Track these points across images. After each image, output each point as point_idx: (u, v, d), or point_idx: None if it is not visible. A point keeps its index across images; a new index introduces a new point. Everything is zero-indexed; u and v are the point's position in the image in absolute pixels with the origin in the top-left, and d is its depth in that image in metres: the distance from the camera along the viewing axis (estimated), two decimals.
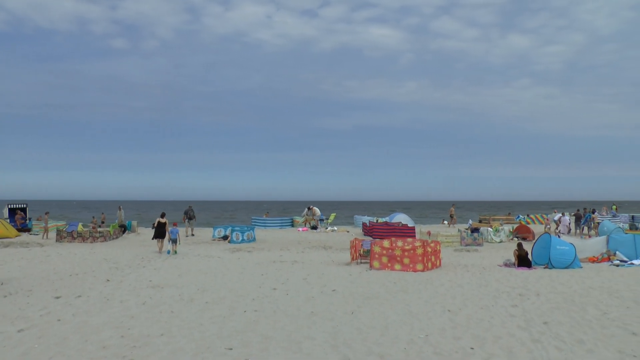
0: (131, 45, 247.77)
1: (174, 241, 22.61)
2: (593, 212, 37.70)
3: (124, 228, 32.12)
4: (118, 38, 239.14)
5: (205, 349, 7.59)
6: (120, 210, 35.42)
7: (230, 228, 29.95)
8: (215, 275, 15.66)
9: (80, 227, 29.75)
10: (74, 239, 27.65)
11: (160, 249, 22.84)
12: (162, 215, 23.82)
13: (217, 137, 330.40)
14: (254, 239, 29.19)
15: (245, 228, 30.12)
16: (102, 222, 36.23)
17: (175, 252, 22.31)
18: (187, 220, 33.31)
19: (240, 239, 28.41)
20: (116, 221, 32.93)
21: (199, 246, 26.16)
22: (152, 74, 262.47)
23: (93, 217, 38.79)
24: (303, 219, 39.88)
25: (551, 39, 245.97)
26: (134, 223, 34.49)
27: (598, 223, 34.55)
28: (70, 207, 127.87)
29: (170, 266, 17.87)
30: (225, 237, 29.27)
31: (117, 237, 29.99)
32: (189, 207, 34.01)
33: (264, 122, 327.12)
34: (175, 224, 24.01)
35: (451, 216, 42.32)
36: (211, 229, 32.32)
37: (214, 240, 29.19)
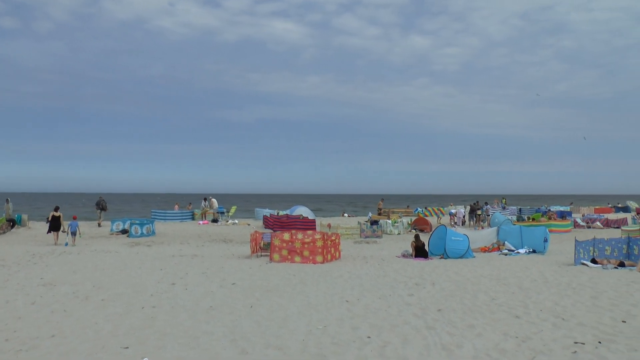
0: (22, 25, 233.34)
1: (73, 234, 22.59)
2: (486, 205, 39.85)
3: (12, 222, 30.30)
4: (6, 16, 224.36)
5: (100, 348, 7.39)
6: (7, 203, 33.38)
7: (129, 221, 29.14)
8: (112, 271, 15.23)
9: None
10: None
11: (56, 241, 22.43)
12: (56, 209, 23.50)
13: (117, 127, 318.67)
14: (153, 233, 28.60)
15: (145, 221, 29.45)
16: None
17: (74, 244, 22.14)
18: (99, 211, 32.58)
19: (140, 232, 27.73)
20: (3, 215, 31.06)
21: (96, 241, 25.27)
22: (45, 57, 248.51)
23: None
24: (201, 211, 39.41)
25: (449, 41, 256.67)
26: (25, 217, 32.59)
27: (489, 216, 36.60)
28: None
29: (64, 262, 17.15)
30: (124, 231, 28.46)
31: (4, 232, 28.29)
32: (100, 197, 33.11)
33: (166, 112, 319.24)
34: (75, 217, 24.02)
35: (379, 210, 42.94)
36: (109, 223, 31.35)
37: (112, 234, 28.32)
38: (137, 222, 28.77)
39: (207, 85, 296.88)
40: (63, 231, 23.56)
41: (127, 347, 7.42)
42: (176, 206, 44.27)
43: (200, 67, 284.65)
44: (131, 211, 70.07)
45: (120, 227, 29.03)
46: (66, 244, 22.23)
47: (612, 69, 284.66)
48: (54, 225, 23.13)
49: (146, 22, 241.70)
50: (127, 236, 27.46)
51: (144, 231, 28.01)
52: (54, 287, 12.43)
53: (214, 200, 40.11)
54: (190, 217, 39.71)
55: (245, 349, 7.36)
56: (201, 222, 37.03)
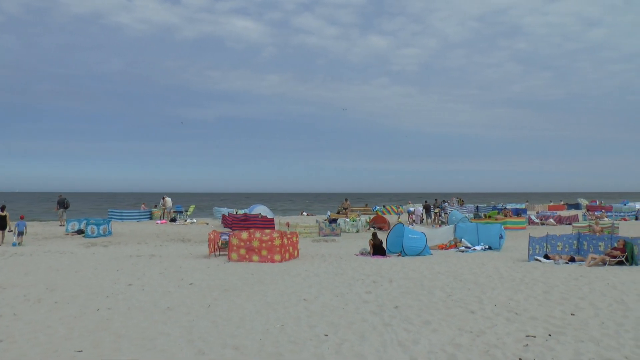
0: None
1: (20, 233, 22.28)
2: (444, 203, 40.48)
3: None
4: None
5: (52, 352, 7.22)
6: None
7: (85, 221, 28.55)
8: (67, 273, 14.90)
9: None
10: None
11: (1, 242, 22.15)
12: (2, 209, 22.96)
13: (74, 124, 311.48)
14: (110, 233, 28.11)
15: (101, 221, 28.88)
16: None
17: (21, 243, 21.88)
18: (60, 210, 31.93)
19: (96, 232, 27.21)
20: None
21: (50, 241, 24.68)
22: None
23: None
24: (160, 210, 38.96)
25: (407, 42, 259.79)
26: None
27: (446, 213, 37.18)
28: None
29: (15, 264, 16.70)
30: (80, 231, 27.86)
31: None
32: (61, 196, 32.46)
33: (125, 109, 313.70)
34: (22, 217, 23.62)
35: (345, 209, 42.93)
36: (60, 222, 30.69)
37: (68, 234, 27.67)
38: (94, 222, 28.19)
39: (167, 82, 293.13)
40: (10, 231, 23.12)
41: (81, 351, 7.28)
42: (143, 206, 43.59)
43: (160, 64, 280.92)
44: (87, 211, 68.62)
45: (76, 228, 28.40)
46: (14, 244, 21.80)
47: (564, 71, 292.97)
48: (0, 224, 22.69)
49: (103, 18, 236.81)
50: (83, 236, 26.90)
51: (101, 231, 27.48)
52: (3, 290, 12.05)
53: (167, 199, 39.64)
54: (148, 216, 39.17)
55: (202, 350, 7.32)
56: (159, 221, 36.57)
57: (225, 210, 40.68)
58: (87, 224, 27.51)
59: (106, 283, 13.05)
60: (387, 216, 40.50)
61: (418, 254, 19.24)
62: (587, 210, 50.67)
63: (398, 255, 19.28)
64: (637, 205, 52.06)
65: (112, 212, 39.28)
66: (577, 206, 62.60)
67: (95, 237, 26.84)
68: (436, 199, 41.07)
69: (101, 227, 27.66)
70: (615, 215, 43.11)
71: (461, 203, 52.91)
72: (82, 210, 71.24)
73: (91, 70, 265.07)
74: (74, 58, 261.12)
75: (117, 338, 7.90)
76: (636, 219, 42.75)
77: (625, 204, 55.20)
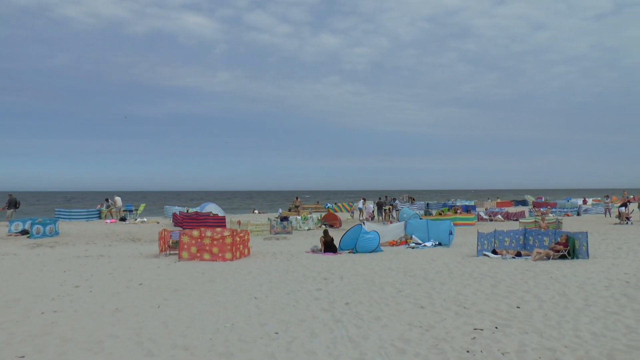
0: None
1: None
2: (394, 200, 40.97)
3: None
4: None
5: None
6: None
7: (29, 221, 27.66)
8: (9, 275, 14.37)
9: None
10: None
11: None
12: None
13: (18, 120, 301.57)
14: (57, 233, 27.37)
15: (47, 221, 28.02)
16: None
17: None
18: (10, 210, 31.15)
19: (42, 233, 26.43)
20: None
21: None
22: None
23: None
24: (106, 211, 38.19)
25: (359, 41, 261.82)
26: None
27: (398, 210, 37.66)
28: None
29: None
30: (24, 232, 27.01)
31: None
32: (11, 196, 31.53)
33: (72, 105, 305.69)
34: None
35: (296, 207, 42.88)
36: (7, 223, 29.70)
37: (10, 235, 26.77)
38: (40, 221, 27.36)
39: (116, 78, 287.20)
40: None
41: (22, 357, 7.04)
42: (99, 205, 42.59)
43: (109, 59, 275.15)
44: (33, 211, 66.57)
45: (20, 228, 27.50)
46: None
47: (511, 72, 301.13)
48: None
49: (49, 10, 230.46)
50: (28, 237, 26.09)
51: (47, 231, 26.71)
52: None
53: (117, 198, 38.90)
54: (97, 215, 38.33)
55: (152, 351, 7.20)
56: (108, 220, 35.84)
57: (176, 209, 40.20)
58: (32, 224, 26.66)
59: (52, 285, 12.67)
60: (338, 213, 40.73)
61: (370, 252, 19.40)
62: (534, 206, 52.11)
63: (349, 253, 19.39)
64: (579, 202, 53.94)
65: (59, 211, 38.25)
66: (524, 203, 64.36)
67: (41, 237, 26.08)
68: (386, 197, 41.54)
69: (47, 227, 26.88)
70: (559, 211, 44.52)
71: (412, 201, 53.66)
72: (26, 210, 69.17)
73: (37, 65, 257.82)
74: (18, 51, 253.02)
75: (62, 342, 7.68)
76: (578, 214, 44.22)
77: (568, 201, 57.08)
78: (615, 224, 32.10)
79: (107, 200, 39.36)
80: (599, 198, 58.05)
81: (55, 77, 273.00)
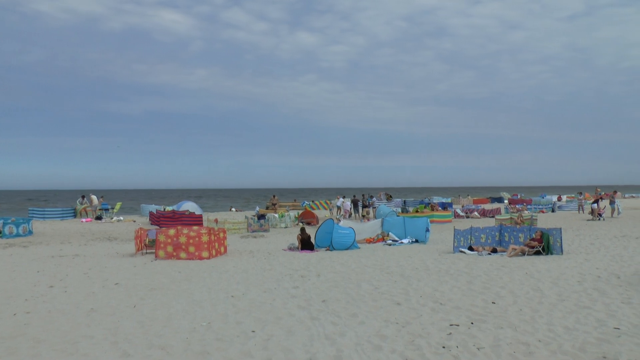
0: None
1: None
2: (371, 197, 41.15)
3: None
4: None
5: None
6: None
7: (1, 221, 27.19)
8: None
9: None
10: None
11: None
12: None
13: None
14: (30, 232, 26.96)
15: (21, 220, 27.56)
16: None
17: None
18: None
19: (15, 232, 26.02)
20: None
21: None
22: None
23: None
24: (80, 207, 37.72)
25: (336, 39, 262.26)
26: None
27: (374, 208, 37.81)
28: None
29: None
30: None
31: None
32: None
33: (46, 102, 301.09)
34: None
35: (273, 205, 42.74)
36: None
37: None
38: (12, 221, 26.92)
39: (91, 75, 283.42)
40: None
41: None
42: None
43: (84, 56, 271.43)
44: (5, 209, 65.46)
45: None
46: None
47: (487, 71, 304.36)
48: None
49: (21, 5, 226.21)
50: (0, 237, 25.68)
51: (20, 231, 26.29)
52: None
53: (93, 197, 38.45)
54: (72, 214, 37.86)
55: (127, 351, 7.13)
56: (84, 219, 35.42)
57: (153, 207, 39.86)
58: (5, 224, 26.21)
59: (25, 286, 12.48)
60: (316, 211, 40.76)
61: (346, 249, 19.46)
62: (509, 203, 52.73)
63: (326, 250, 19.44)
64: (553, 198, 54.66)
65: (32, 210, 37.70)
66: (500, 200, 65.01)
67: (14, 237, 25.66)
68: (363, 195, 41.73)
69: (20, 227, 26.47)
70: (534, 207, 45.06)
71: (389, 198, 53.90)
72: None
73: (9, 61, 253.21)
74: None
75: (35, 343, 7.57)
76: (553, 211, 44.81)
77: (543, 197, 57.82)
78: (588, 220, 32.60)
79: (82, 197, 38.88)
80: (573, 195, 58.93)
81: (29, 73, 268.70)
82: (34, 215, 35.84)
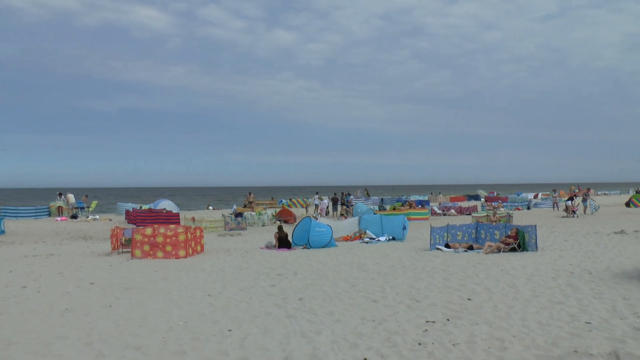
0: None
1: None
2: (349, 195, 41.29)
3: None
4: None
5: None
6: None
7: None
8: None
9: None
10: None
11: None
12: None
13: None
14: (2, 232, 26.55)
15: None
16: None
17: None
18: None
19: None
20: None
21: None
22: None
23: None
24: (56, 205, 37.27)
25: (313, 37, 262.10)
26: None
27: (352, 206, 37.92)
28: None
29: None
30: None
31: None
32: None
33: (19, 99, 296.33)
34: None
35: (250, 203, 42.53)
36: None
37: None
38: None
39: (66, 71, 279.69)
40: None
41: None
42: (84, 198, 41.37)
43: (58, 52, 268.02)
44: None
45: None
46: None
47: (462, 70, 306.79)
48: None
49: None
50: None
51: None
52: None
53: (70, 195, 37.99)
54: (47, 213, 37.36)
55: (102, 352, 7.06)
56: (59, 218, 34.98)
57: (129, 206, 39.49)
58: None
59: None
60: (293, 209, 40.76)
61: (324, 247, 19.48)
62: (486, 201, 53.27)
63: (304, 248, 19.44)
64: (529, 196, 55.37)
65: (5, 209, 37.13)
66: (476, 197, 65.65)
67: None
68: (342, 193, 41.85)
69: None
70: (510, 205, 45.60)
71: (367, 194, 54.11)
72: None
73: None
74: None
75: (7, 345, 7.44)
76: (528, 208, 45.36)
77: (519, 195, 58.59)
78: (563, 217, 33.09)
79: (60, 194, 38.38)
80: (548, 192, 59.75)
81: (1, 69, 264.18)
82: (7, 214, 35.29)
